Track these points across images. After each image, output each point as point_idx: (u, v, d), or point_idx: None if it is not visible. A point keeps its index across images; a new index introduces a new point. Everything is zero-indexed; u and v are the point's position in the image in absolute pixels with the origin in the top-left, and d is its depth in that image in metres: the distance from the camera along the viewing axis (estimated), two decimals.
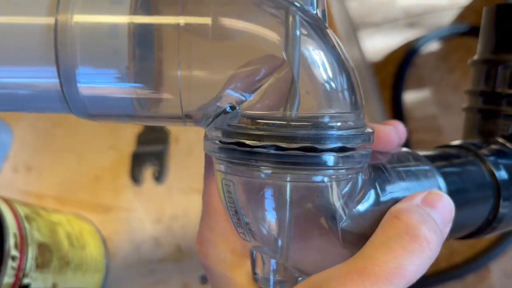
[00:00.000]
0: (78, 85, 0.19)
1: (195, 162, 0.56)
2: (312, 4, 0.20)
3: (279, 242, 0.21)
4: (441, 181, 0.24)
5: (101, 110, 0.21)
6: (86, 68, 0.19)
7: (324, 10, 0.21)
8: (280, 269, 0.22)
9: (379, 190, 0.22)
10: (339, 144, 0.19)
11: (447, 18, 0.70)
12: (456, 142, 0.29)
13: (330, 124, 0.19)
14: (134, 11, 0.19)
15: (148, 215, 0.54)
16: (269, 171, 0.19)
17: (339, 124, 0.19)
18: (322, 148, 0.19)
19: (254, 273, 0.23)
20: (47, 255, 0.40)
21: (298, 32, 0.19)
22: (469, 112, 0.31)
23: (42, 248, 0.40)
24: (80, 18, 0.19)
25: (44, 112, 0.23)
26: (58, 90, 0.20)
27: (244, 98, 0.20)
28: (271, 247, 0.21)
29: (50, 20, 0.19)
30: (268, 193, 0.20)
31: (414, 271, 0.20)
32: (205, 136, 0.22)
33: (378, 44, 0.65)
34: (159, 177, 0.56)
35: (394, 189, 0.22)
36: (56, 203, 0.55)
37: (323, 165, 0.19)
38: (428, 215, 0.21)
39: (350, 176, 0.20)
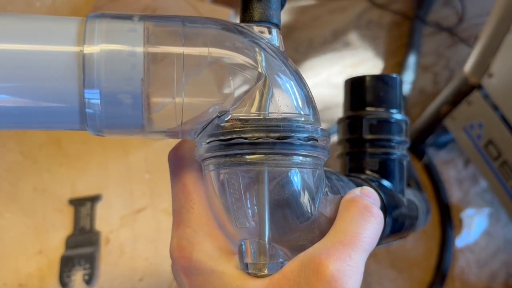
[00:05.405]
0: (99, 105, 0.23)
1: (127, 262, 0.56)
2: (275, 41, 0.28)
3: (264, 225, 0.26)
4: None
5: (115, 126, 0.24)
6: (107, 90, 0.23)
7: (283, 50, 0.28)
8: (266, 252, 0.26)
9: (333, 186, 0.29)
10: (308, 134, 0.25)
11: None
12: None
13: (300, 119, 0.25)
14: (147, 41, 0.23)
15: None
16: (255, 159, 0.24)
17: (307, 120, 0.26)
18: (296, 136, 0.25)
19: (244, 264, 0.26)
20: None
21: (264, 63, 0.26)
22: (341, 156, 0.42)
23: None
24: (104, 47, 0.23)
25: (57, 129, 0.25)
26: (79, 109, 0.23)
27: (233, 107, 0.25)
28: (257, 230, 0.26)
29: (79, 49, 0.23)
30: (253, 178, 0.25)
31: (375, 237, 0.28)
32: (196, 144, 0.26)
33: None
34: (89, 280, 0.55)
35: (339, 188, 0.30)
36: None
37: (296, 150, 0.25)
38: (369, 200, 0.29)
39: (317, 164, 0.26)
